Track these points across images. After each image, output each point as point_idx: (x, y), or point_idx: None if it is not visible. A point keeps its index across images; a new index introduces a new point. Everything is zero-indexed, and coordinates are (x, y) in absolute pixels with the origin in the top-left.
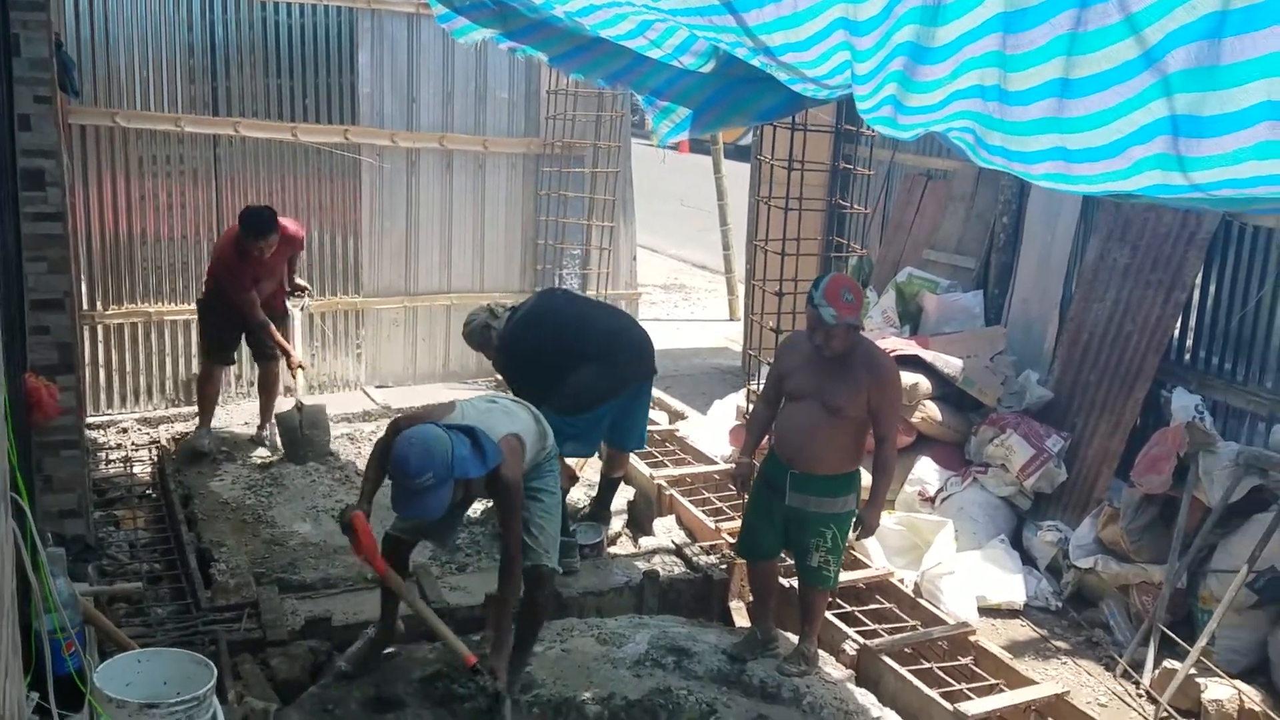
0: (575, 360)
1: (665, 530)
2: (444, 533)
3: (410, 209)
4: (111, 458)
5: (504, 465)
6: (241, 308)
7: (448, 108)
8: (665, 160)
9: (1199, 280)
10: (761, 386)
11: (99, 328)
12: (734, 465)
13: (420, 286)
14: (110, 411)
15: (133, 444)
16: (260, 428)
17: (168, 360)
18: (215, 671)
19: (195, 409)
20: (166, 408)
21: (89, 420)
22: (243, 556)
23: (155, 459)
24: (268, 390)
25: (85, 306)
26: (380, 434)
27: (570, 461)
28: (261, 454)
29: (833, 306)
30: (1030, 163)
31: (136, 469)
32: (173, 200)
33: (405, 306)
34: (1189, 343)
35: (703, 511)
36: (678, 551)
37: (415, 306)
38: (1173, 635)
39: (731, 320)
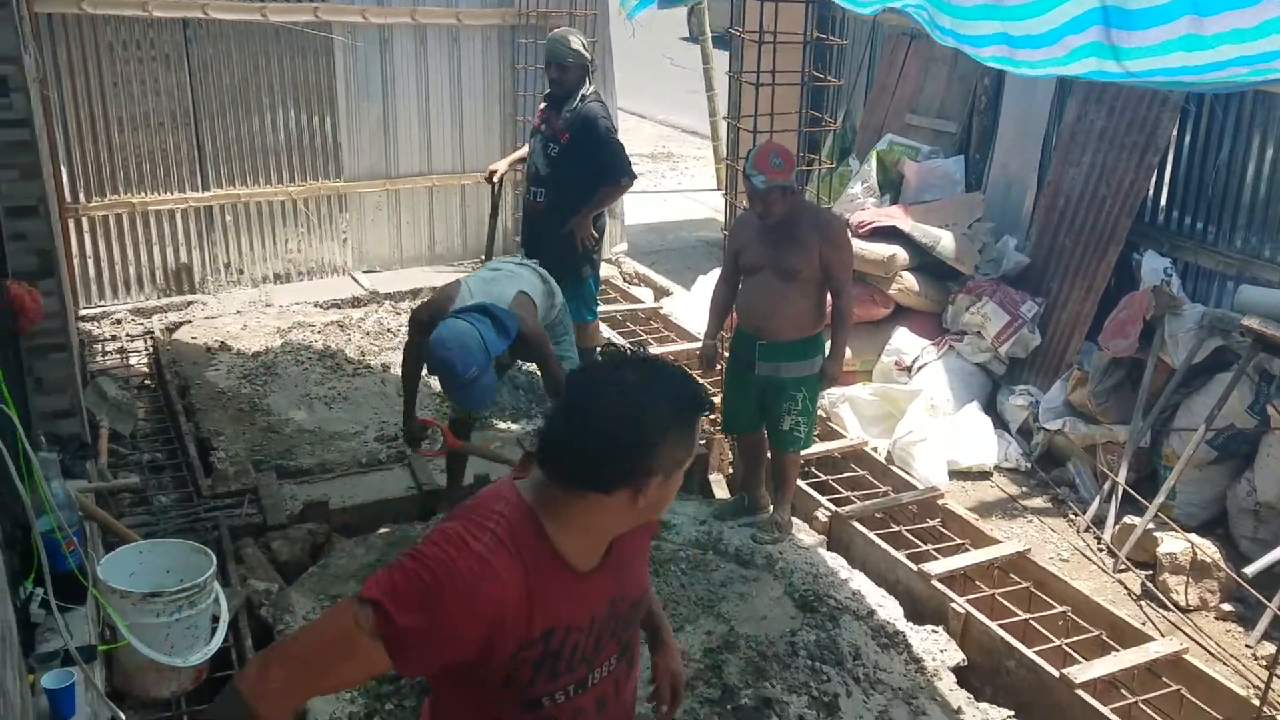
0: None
1: None
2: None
3: (386, 88)
4: (107, 349)
5: (523, 325)
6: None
7: None
8: (634, 35)
9: (1173, 141)
10: None
11: (84, 220)
12: (700, 347)
13: (401, 169)
14: (103, 303)
15: (127, 335)
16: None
17: (155, 250)
18: (215, 559)
19: (188, 299)
20: (158, 297)
21: (82, 312)
22: (241, 444)
23: (150, 349)
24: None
25: (69, 199)
26: (368, 321)
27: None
28: None
29: (762, 172)
30: (979, 45)
31: (133, 360)
32: (146, 87)
33: (386, 190)
34: (1162, 204)
35: None
36: None
37: (397, 189)
38: (1134, 493)
39: (719, 190)
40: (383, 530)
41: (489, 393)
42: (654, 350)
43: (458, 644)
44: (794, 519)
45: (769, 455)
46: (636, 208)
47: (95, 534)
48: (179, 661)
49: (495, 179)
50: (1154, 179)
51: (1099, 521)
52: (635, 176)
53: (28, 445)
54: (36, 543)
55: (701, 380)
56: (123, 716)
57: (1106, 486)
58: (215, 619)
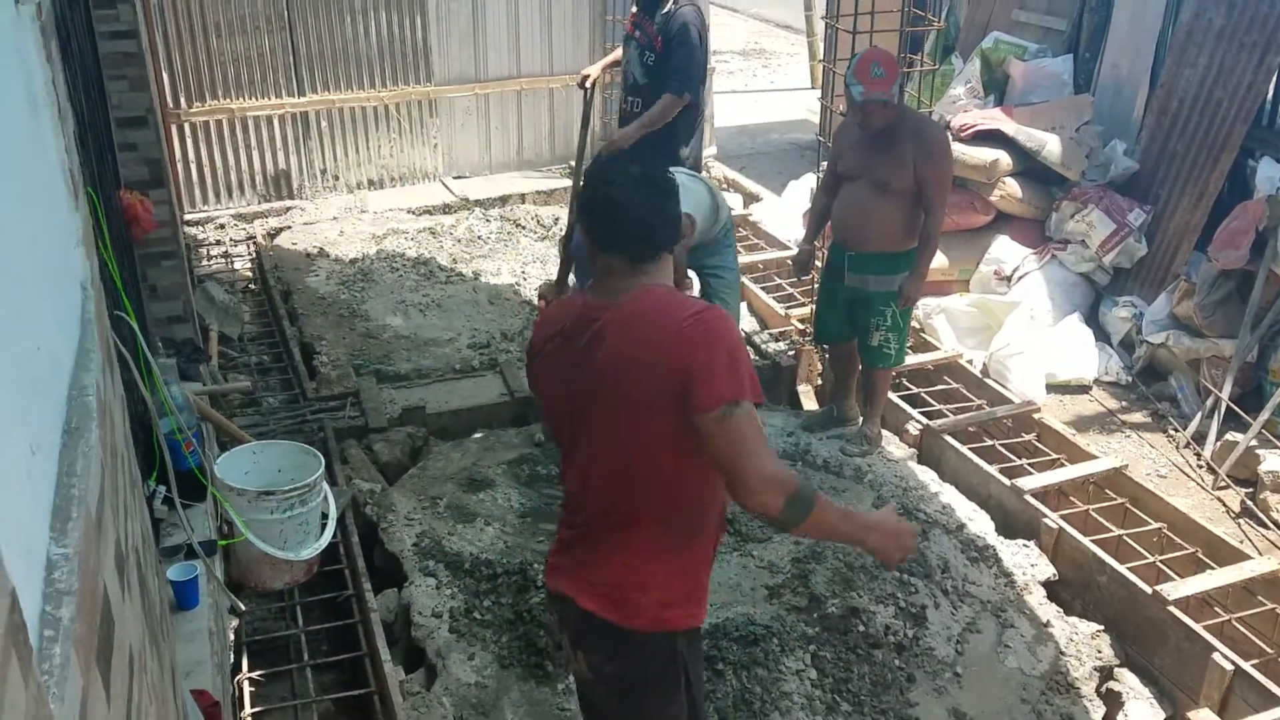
0: None
1: None
2: None
3: None
4: (212, 254)
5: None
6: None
7: None
8: None
9: None
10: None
11: (185, 125)
12: (796, 252)
13: (490, 72)
14: (206, 207)
15: (231, 239)
16: None
17: (254, 155)
18: (323, 461)
19: (287, 204)
20: (259, 203)
21: (186, 217)
22: (342, 349)
23: (253, 254)
24: None
25: (170, 105)
26: (459, 228)
27: None
28: None
29: (860, 83)
30: None
31: (237, 264)
32: None
33: (476, 94)
34: None
35: (774, 298)
36: (746, 340)
37: (486, 93)
38: (1238, 409)
39: (813, 88)
40: (476, 435)
41: None
42: (743, 259)
43: None
44: (884, 432)
45: (859, 368)
46: (726, 109)
47: (210, 434)
48: (292, 555)
49: (588, 84)
50: (1274, 81)
51: (1200, 438)
52: (691, 98)
53: (148, 351)
54: (159, 443)
55: (792, 289)
56: (241, 606)
57: (1209, 402)
58: (324, 516)
